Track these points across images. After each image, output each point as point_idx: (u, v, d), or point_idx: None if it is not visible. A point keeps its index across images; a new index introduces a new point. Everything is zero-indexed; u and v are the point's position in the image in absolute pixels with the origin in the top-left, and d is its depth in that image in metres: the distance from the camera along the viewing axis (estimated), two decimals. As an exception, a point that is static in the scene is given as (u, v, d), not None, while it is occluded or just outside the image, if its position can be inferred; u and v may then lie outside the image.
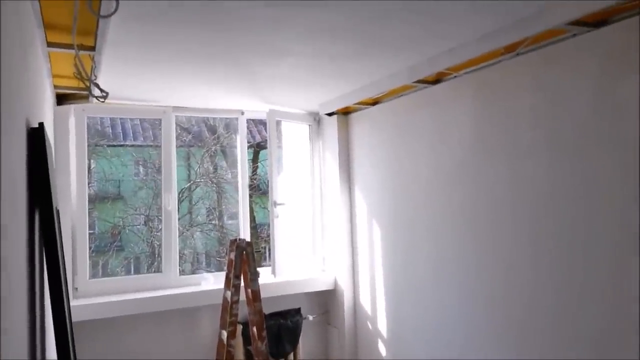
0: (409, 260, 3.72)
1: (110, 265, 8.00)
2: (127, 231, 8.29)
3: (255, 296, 3.67)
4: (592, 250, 2.37)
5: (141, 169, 8.71)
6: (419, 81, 3.31)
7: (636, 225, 2.15)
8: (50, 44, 2.29)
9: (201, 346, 4.11)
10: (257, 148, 8.82)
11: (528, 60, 2.70)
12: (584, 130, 2.40)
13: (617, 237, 2.25)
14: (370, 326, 4.26)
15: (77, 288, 3.78)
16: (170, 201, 4.22)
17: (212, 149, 8.62)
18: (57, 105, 3.49)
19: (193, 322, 4.14)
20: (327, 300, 4.69)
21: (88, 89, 2.96)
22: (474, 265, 3.10)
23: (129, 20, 2.23)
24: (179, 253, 4.42)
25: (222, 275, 4.01)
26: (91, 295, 3.80)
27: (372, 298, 4.21)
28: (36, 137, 1.54)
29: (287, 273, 4.29)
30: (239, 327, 4.01)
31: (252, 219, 7.98)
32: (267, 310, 4.06)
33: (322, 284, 4.56)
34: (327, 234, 4.67)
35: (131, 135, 8.65)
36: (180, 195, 7.81)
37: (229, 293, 3.71)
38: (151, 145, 8.45)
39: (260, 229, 8.63)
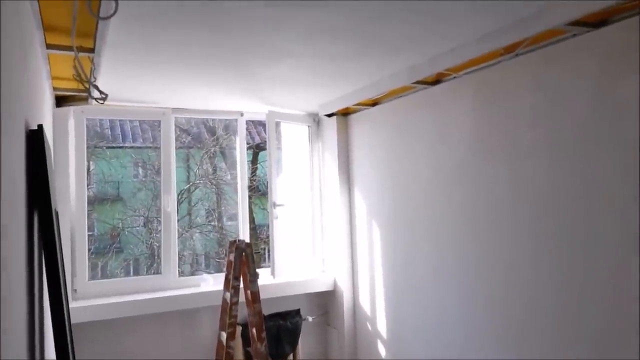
0: (409, 260, 3.72)
1: (110, 267, 7.99)
2: (127, 233, 8.28)
3: (254, 297, 3.67)
4: (592, 250, 2.36)
5: (140, 170, 8.71)
6: (418, 82, 3.31)
7: (636, 225, 2.15)
8: (49, 46, 2.28)
9: (200, 347, 4.10)
10: (257, 149, 8.82)
11: (528, 61, 2.70)
12: (584, 130, 2.40)
13: (617, 237, 2.25)
14: (369, 327, 4.26)
15: (76, 290, 3.77)
16: (169, 202, 4.21)
17: (212, 151, 8.62)
18: (57, 107, 3.49)
19: (192, 323, 4.13)
20: (326, 301, 4.69)
21: (87, 90, 2.96)
22: (474, 266, 3.10)
23: (128, 22, 2.22)
24: (178, 254, 4.42)
25: (221, 277, 4.00)
26: (90, 296, 3.80)
27: (372, 299, 4.21)
28: (35, 139, 1.54)
29: (286, 274, 4.29)
30: (239, 329, 4.01)
31: (252, 220, 7.97)
32: (266, 311, 4.06)
33: (322, 285, 4.56)
34: (326, 235, 4.67)
35: (130, 136, 8.65)
36: (180, 197, 7.82)
37: (228, 294, 3.71)
38: (150, 147, 8.45)
39: (260, 230, 8.63)
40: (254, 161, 8.73)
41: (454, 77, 3.21)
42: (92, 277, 6.43)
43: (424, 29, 2.52)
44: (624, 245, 2.21)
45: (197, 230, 8.63)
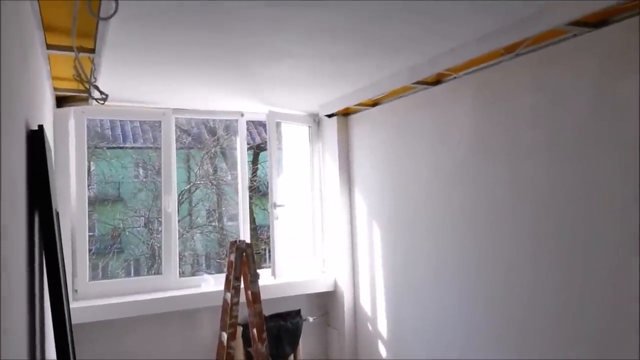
0: (409, 260, 3.72)
1: (110, 267, 8.00)
2: (127, 233, 8.29)
3: (255, 298, 3.66)
4: (592, 250, 2.36)
5: (141, 171, 8.71)
6: (419, 82, 3.31)
7: (636, 225, 2.15)
8: (49, 47, 2.28)
9: (201, 348, 4.10)
10: (257, 150, 8.82)
11: (528, 61, 2.70)
12: (584, 131, 2.40)
13: (617, 237, 2.25)
14: (370, 327, 4.26)
15: (77, 290, 3.77)
16: (170, 203, 4.21)
17: (212, 151, 8.62)
18: (57, 108, 3.49)
19: (193, 323, 4.13)
20: (327, 301, 4.69)
21: (88, 91, 2.96)
22: (474, 266, 3.10)
23: (128, 22, 2.23)
24: (179, 255, 4.42)
25: (222, 277, 4.00)
26: (91, 297, 3.80)
27: (372, 299, 4.21)
28: (36, 139, 1.54)
29: (287, 275, 4.29)
30: (239, 329, 4.01)
31: (252, 220, 7.98)
32: (267, 311, 4.05)
33: (322, 286, 4.56)
34: (327, 235, 4.67)
35: (131, 137, 8.65)
36: (180, 197, 7.81)
37: (229, 295, 3.71)
38: (151, 147, 8.45)
39: (260, 230, 8.63)
40: (254, 161, 8.73)
41: (454, 78, 3.21)
42: (93, 277, 6.43)
43: (424, 29, 2.52)
44: (624, 245, 2.21)
45: (198, 231, 8.63)
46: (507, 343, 2.87)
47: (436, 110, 3.40)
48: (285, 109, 4.37)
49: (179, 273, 4.30)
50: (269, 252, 4.64)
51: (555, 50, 2.55)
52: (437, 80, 3.36)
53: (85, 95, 3.20)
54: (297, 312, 4.47)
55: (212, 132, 8.59)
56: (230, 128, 8.13)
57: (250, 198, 7.43)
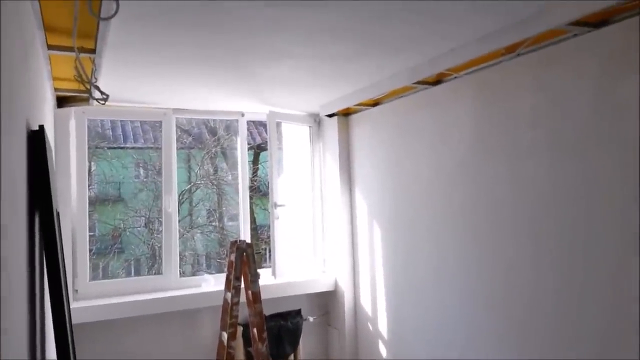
0: (410, 260, 3.72)
1: (111, 268, 8.00)
2: (128, 233, 8.29)
3: (255, 298, 3.66)
4: (593, 250, 2.36)
5: (141, 171, 8.71)
6: (419, 82, 3.31)
7: (636, 225, 2.15)
8: (50, 47, 2.29)
9: (201, 348, 4.11)
10: (258, 150, 8.82)
11: (528, 61, 2.70)
12: (585, 131, 2.40)
13: (617, 237, 2.25)
14: (370, 327, 4.26)
15: (77, 290, 3.78)
16: (170, 203, 4.22)
17: (213, 151, 8.62)
18: (58, 108, 3.49)
19: (193, 323, 4.14)
20: (327, 301, 4.69)
21: (88, 91, 2.96)
22: (475, 266, 3.10)
23: (129, 22, 2.23)
24: (180, 255, 4.42)
25: (222, 277, 4.00)
26: (91, 297, 3.80)
27: (373, 299, 4.21)
28: (36, 140, 1.54)
29: (287, 274, 4.29)
30: (240, 329, 4.01)
31: (253, 220, 7.98)
32: (267, 311, 4.06)
33: (323, 285, 4.56)
34: (327, 235, 4.67)
35: (131, 137, 8.65)
36: (181, 197, 7.81)
37: (229, 294, 3.71)
38: (151, 148, 8.45)
39: (261, 230, 8.63)
40: (255, 161, 8.73)
41: (455, 78, 3.21)
42: (93, 277, 6.43)
43: (425, 29, 2.52)
44: (624, 245, 2.21)
45: (198, 231, 8.63)
46: (508, 343, 2.87)
47: (437, 110, 3.40)
48: (286, 109, 4.37)
49: (180, 273, 4.30)
50: (270, 251, 4.65)
51: (555, 50, 2.55)
52: (437, 80, 3.36)
53: (86, 95, 3.20)
54: (298, 312, 4.47)
55: (213, 132, 8.59)
56: (230, 128, 8.13)
57: (251, 198, 7.42)
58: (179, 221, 4.62)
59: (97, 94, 2.92)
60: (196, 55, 2.82)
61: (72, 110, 3.72)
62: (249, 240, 4.19)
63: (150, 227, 8.12)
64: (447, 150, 3.30)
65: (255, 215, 8.47)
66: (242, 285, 3.73)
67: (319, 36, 2.57)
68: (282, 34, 2.51)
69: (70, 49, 2.24)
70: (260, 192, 8.62)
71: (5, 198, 0.99)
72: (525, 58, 2.71)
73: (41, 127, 1.57)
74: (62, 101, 3.46)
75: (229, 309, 3.68)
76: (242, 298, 3.74)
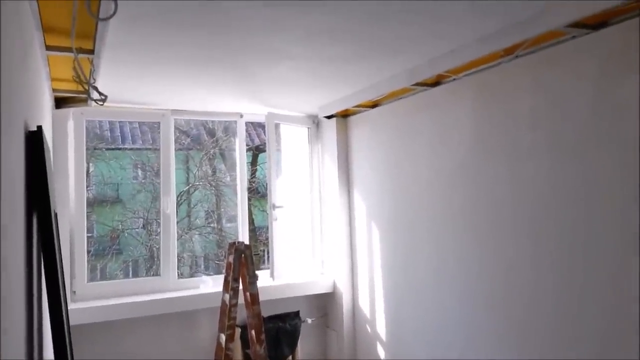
0: (409, 262, 3.72)
1: (109, 269, 7.99)
2: (126, 234, 8.28)
3: (253, 299, 3.66)
4: (593, 250, 2.36)
5: (140, 172, 8.71)
6: (418, 84, 3.31)
7: (636, 225, 2.15)
8: (49, 48, 2.28)
9: (199, 349, 4.10)
10: (256, 151, 8.82)
11: (528, 62, 2.70)
12: (584, 132, 2.40)
13: (617, 237, 2.25)
14: (369, 329, 4.25)
15: (75, 291, 3.76)
16: (168, 204, 4.21)
17: (211, 152, 8.62)
18: (56, 109, 3.49)
19: (191, 325, 4.13)
20: (326, 303, 4.68)
21: (87, 92, 2.96)
22: (475, 267, 3.09)
23: (127, 23, 2.22)
24: (178, 256, 4.41)
25: (220, 279, 4.00)
26: (89, 298, 3.79)
27: (371, 301, 4.20)
28: (35, 140, 1.54)
29: (285, 276, 4.28)
30: (238, 331, 4.01)
31: (251, 221, 7.98)
32: (265, 313, 4.05)
33: (321, 287, 4.55)
34: (326, 236, 4.67)
35: (130, 138, 8.65)
36: (179, 199, 7.82)
37: (227, 296, 3.70)
38: (150, 149, 8.45)
39: (259, 231, 8.63)
40: (253, 163, 8.73)
41: (454, 79, 3.21)
42: (91, 278, 6.41)
43: (423, 30, 2.52)
44: (624, 245, 2.21)
45: (197, 232, 8.62)
46: (508, 343, 2.87)
47: (436, 111, 3.40)
48: (285, 110, 4.36)
49: (178, 274, 4.29)
50: (268, 253, 4.64)
51: (554, 51, 2.55)
52: (436, 82, 3.36)
53: (84, 96, 3.20)
54: (296, 314, 4.46)
55: (211, 133, 8.59)
56: (229, 129, 8.13)
57: (249, 199, 7.43)
58: (177, 222, 4.61)
59: (95, 95, 2.92)
60: (195, 55, 2.82)
61: (70, 111, 3.71)
62: (247, 242, 4.18)
63: (149, 228, 8.11)
64: (447, 152, 3.30)
65: (254, 217, 8.47)
66: (241, 286, 3.72)
67: (317, 37, 2.57)
68: (281, 34, 2.51)
69: (68, 49, 2.24)
70: (258, 193, 8.62)
71: (3, 199, 0.99)
72: (525, 59, 2.71)
73: (39, 127, 1.57)
74: (60, 102, 3.46)
75: (227, 311, 3.67)
76: (241, 300, 3.73)
